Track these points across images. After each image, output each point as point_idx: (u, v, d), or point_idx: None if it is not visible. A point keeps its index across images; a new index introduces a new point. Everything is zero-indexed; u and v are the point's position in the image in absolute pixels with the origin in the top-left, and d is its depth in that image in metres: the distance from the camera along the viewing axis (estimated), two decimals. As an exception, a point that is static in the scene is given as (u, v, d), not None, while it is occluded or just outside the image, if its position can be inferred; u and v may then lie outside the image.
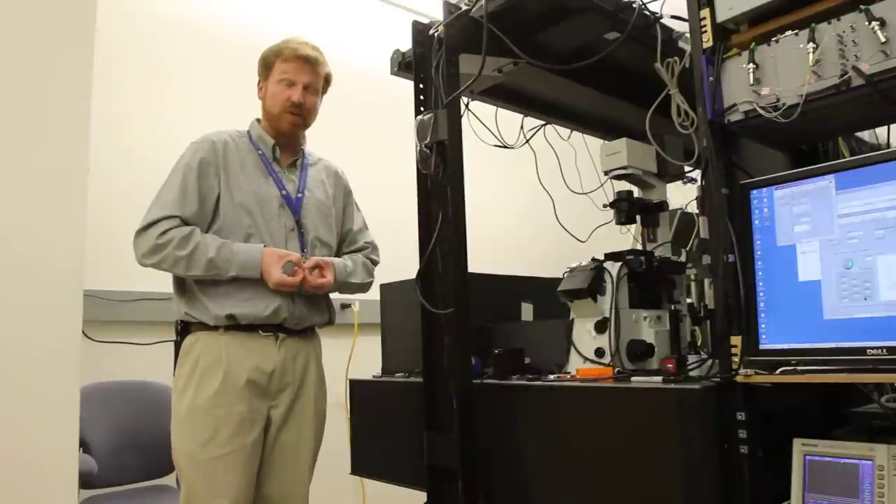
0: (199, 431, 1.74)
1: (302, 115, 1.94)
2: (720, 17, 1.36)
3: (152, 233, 1.77)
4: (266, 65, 1.97)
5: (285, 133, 1.96)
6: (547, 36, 1.73)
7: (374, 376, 2.02)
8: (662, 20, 1.65)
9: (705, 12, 1.37)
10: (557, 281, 1.63)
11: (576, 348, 1.60)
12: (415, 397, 1.67)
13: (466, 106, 1.84)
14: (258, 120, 2.00)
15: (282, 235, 1.88)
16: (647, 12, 1.63)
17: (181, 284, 1.85)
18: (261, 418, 1.81)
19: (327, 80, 2.01)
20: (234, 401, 1.77)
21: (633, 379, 1.39)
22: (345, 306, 3.06)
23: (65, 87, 2.02)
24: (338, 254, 2.05)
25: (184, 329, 1.86)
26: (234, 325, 1.80)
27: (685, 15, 1.44)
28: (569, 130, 2.27)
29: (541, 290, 1.87)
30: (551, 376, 1.55)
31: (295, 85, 1.92)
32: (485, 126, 2.02)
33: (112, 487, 2.37)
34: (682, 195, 1.99)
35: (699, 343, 1.74)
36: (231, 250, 1.79)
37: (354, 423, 2.02)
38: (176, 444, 1.78)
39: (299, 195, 1.95)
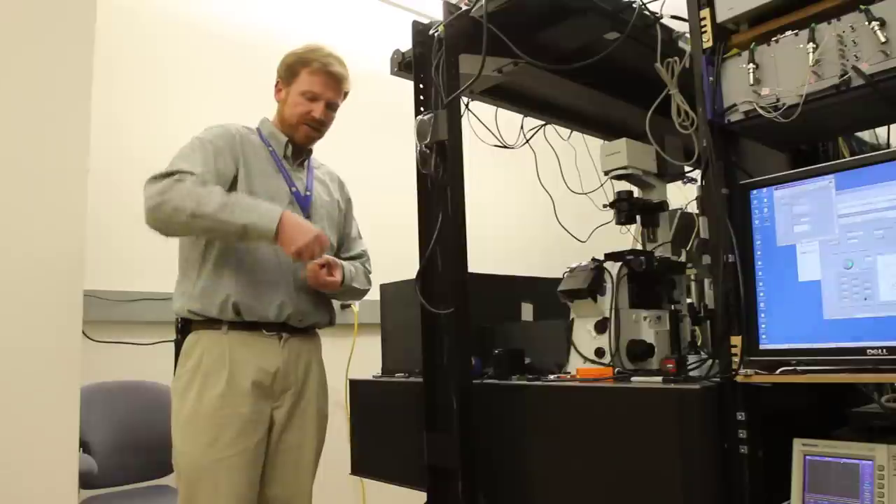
0: (202, 433, 1.73)
1: (319, 130, 1.95)
2: (720, 17, 1.36)
3: (170, 179, 1.69)
4: (291, 71, 1.93)
5: (298, 143, 1.96)
6: (547, 36, 1.73)
7: (374, 376, 2.02)
8: (662, 20, 1.65)
9: (705, 12, 1.37)
10: (557, 281, 1.63)
11: (576, 348, 1.60)
12: (415, 397, 1.67)
13: (466, 106, 1.84)
14: (268, 118, 1.99)
15: None
16: (647, 12, 1.63)
17: (185, 273, 1.82)
18: (265, 419, 1.81)
19: (346, 94, 2.01)
20: (239, 402, 1.76)
21: (633, 379, 1.39)
22: (345, 306, 3.06)
23: (65, 87, 2.02)
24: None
25: (184, 327, 1.84)
26: (237, 322, 1.79)
27: (685, 15, 1.43)
28: (569, 130, 2.27)
29: (541, 290, 1.87)
30: (551, 376, 1.55)
31: (318, 100, 1.91)
32: (485, 126, 2.02)
33: (112, 487, 2.37)
34: (682, 195, 1.99)
35: (699, 343, 1.74)
36: (248, 199, 1.73)
37: (354, 423, 2.02)
38: (178, 446, 1.76)
39: (308, 193, 1.95)
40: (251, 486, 1.77)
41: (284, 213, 1.72)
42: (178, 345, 1.85)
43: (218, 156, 1.80)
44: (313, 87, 1.90)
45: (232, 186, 1.80)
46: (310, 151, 2.02)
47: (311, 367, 1.93)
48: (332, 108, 1.95)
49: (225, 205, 1.68)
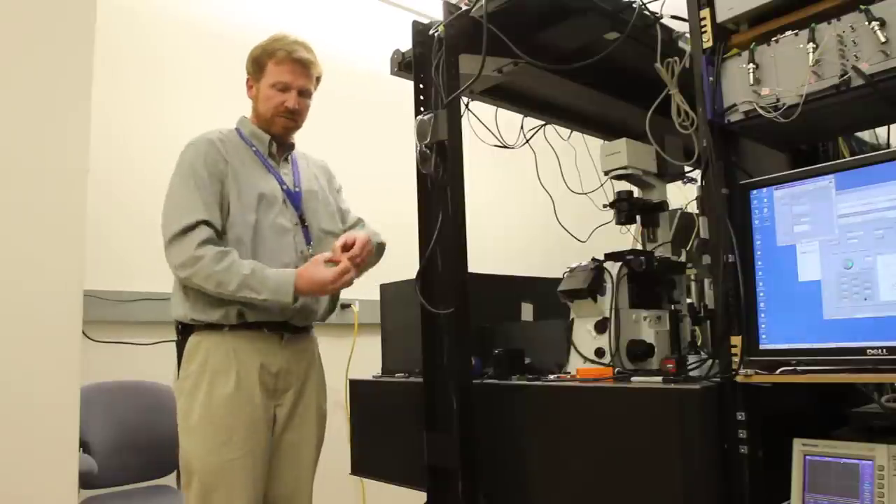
0: (214, 434, 1.72)
1: (295, 120, 1.94)
2: (720, 17, 1.36)
3: (190, 241, 1.72)
4: (258, 65, 1.92)
5: (277, 135, 1.95)
6: (547, 36, 1.73)
7: (374, 376, 2.02)
8: (662, 20, 1.65)
9: (705, 12, 1.37)
10: (557, 281, 1.63)
11: (576, 348, 1.60)
12: (415, 397, 1.67)
13: (466, 106, 1.84)
14: (246, 117, 1.98)
15: (289, 230, 1.88)
16: (647, 12, 1.63)
17: (185, 286, 1.81)
18: (269, 418, 1.82)
19: (318, 79, 1.99)
20: (247, 402, 1.76)
21: (633, 379, 1.39)
22: (345, 306, 3.06)
23: (65, 87, 2.02)
24: None
25: (185, 329, 1.83)
26: (240, 323, 1.78)
27: (685, 15, 1.44)
28: (569, 130, 2.27)
29: (541, 290, 1.87)
30: (551, 376, 1.55)
31: (289, 90, 1.89)
32: (485, 126, 2.02)
33: (112, 487, 2.37)
34: (682, 195, 1.99)
35: (699, 343, 1.74)
36: (264, 273, 1.74)
37: (354, 423, 2.02)
38: (188, 448, 1.75)
39: (297, 189, 1.95)
40: (260, 483, 1.78)
41: (297, 279, 1.74)
42: (179, 345, 1.84)
43: (212, 179, 1.80)
44: (282, 76, 1.88)
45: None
46: (292, 145, 2.02)
47: (312, 366, 1.93)
48: (305, 95, 1.93)
49: (243, 284, 1.71)
